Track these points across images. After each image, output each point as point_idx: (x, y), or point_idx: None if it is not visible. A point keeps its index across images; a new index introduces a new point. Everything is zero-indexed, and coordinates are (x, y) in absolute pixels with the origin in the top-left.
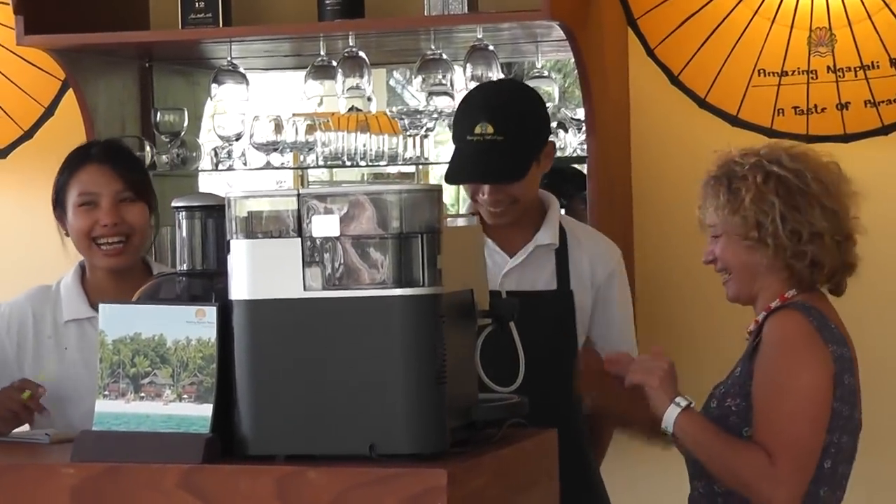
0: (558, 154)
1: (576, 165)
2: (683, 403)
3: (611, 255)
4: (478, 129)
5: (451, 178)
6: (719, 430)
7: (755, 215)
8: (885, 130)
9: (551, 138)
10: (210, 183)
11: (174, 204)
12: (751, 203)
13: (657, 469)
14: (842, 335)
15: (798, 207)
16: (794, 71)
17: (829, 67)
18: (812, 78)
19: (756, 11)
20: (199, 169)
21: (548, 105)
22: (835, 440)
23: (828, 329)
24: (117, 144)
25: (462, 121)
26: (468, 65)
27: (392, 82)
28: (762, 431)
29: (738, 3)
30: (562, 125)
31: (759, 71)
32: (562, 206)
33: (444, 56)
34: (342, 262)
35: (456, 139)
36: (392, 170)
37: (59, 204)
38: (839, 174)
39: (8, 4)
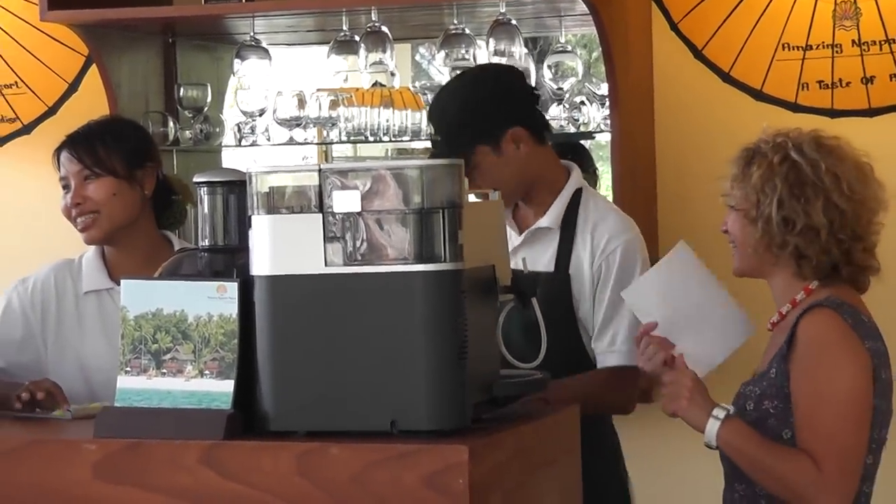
0: (582, 129)
1: (600, 139)
2: (721, 415)
3: (616, 234)
4: (431, 131)
5: None
6: (762, 439)
7: (756, 193)
8: None
9: (518, 127)
10: (233, 158)
11: (195, 179)
12: (757, 180)
13: (684, 460)
14: (875, 328)
15: (799, 197)
16: (818, 45)
17: (853, 41)
18: (837, 52)
19: None
20: (223, 145)
21: (571, 80)
22: (874, 435)
23: (862, 325)
24: (86, 127)
25: None
26: (491, 39)
27: (418, 57)
28: (806, 438)
29: None
30: (585, 100)
31: (783, 45)
32: None
33: (468, 31)
34: (363, 237)
35: None
36: (416, 145)
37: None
38: (868, 177)
39: None
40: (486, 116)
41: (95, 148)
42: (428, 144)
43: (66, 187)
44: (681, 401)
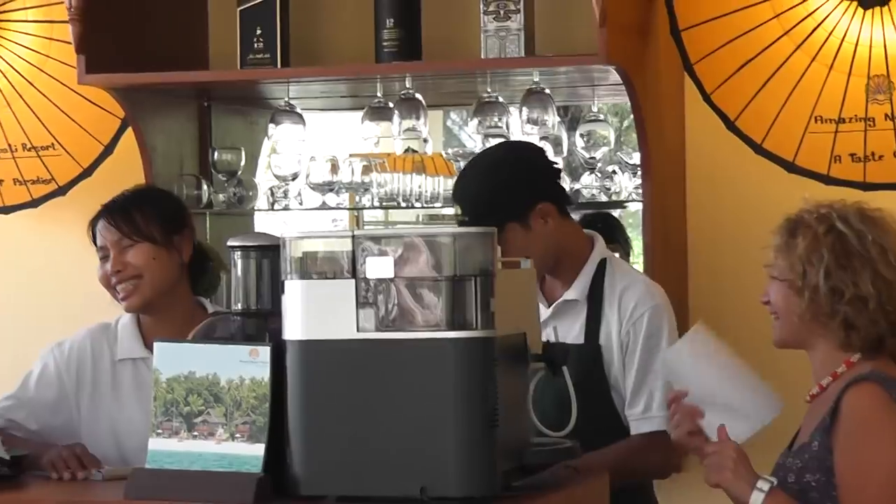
0: (614, 198)
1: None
2: (766, 487)
3: (642, 301)
4: (458, 211)
5: None
6: None
7: (803, 264)
8: None
9: (545, 202)
10: (264, 222)
11: (229, 243)
12: (803, 250)
13: None
14: None
15: (846, 267)
16: (851, 118)
17: (886, 115)
18: (870, 125)
19: (814, 58)
20: (256, 208)
21: (603, 149)
22: None
23: None
24: (121, 196)
25: None
26: (524, 108)
27: (449, 123)
28: None
29: (796, 49)
30: (617, 169)
31: (815, 118)
32: None
33: (501, 99)
34: (396, 303)
35: None
36: (447, 211)
37: None
38: None
39: (70, 44)
40: (512, 196)
41: (133, 215)
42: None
43: (104, 257)
44: (724, 472)
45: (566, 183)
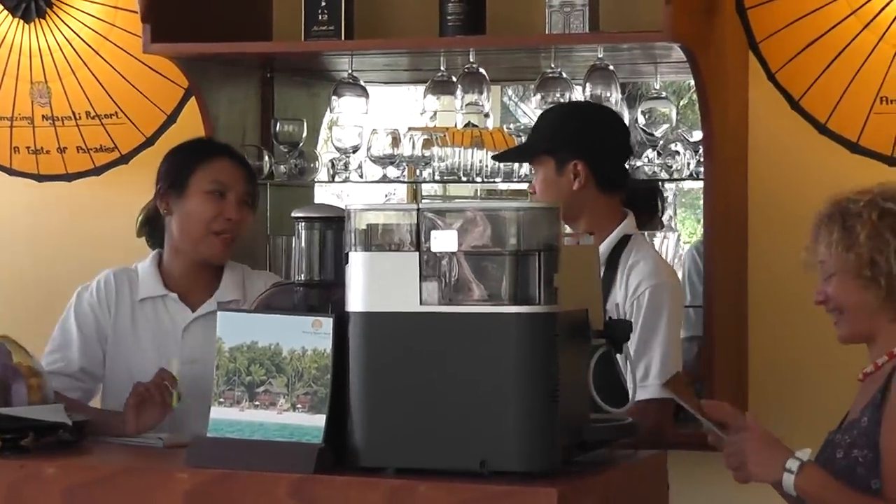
0: (675, 175)
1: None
2: (794, 467)
3: (648, 277)
4: None
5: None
6: (842, 487)
7: (869, 252)
8: None
9: (584, 165)
10: (320, 194)
11: (294, 214)
12: (866, 240)
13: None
14: None
15: None
16: None
17: None
18: None
19: (881, 38)
20: (316, 180)
21: (664, 126)
22: None
23: None
24: (223, 144)
25: None
26: (588, 84)
27: (505, 99)
28: (893, 489)
29: (863, 29)
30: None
31: (881, 98)
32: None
33: (564, 75)
34: (459, 277)
35: None
36: (505, 186)
37: (176, 185)
38: None
39: (135, 12)
40: (571, 136)
41: (252, 170)
42: (519, 186)
43: (221, 195)
44: (743, 469)
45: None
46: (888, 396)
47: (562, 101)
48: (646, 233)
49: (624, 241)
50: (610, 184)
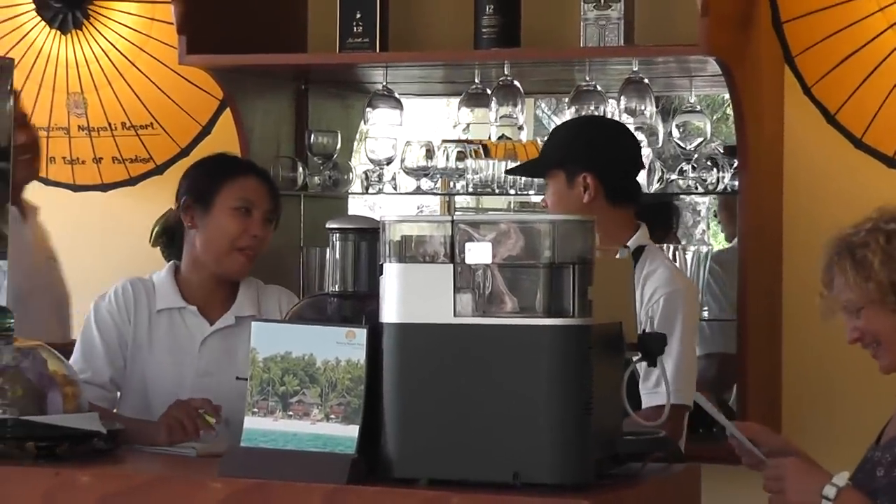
0: (710, 189)
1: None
2: (832, 494)
3: (663, 285)
4: None
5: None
6: None
7: (888, 276)
8: None
9: (594, 178)
10: (354, 205)
11: (329, 225)
12: (881, 266)
13: None
14: None
15: None
16: None
17: None
18: None
19: None
20: (350, 192)
21: (698, 139)
22: None
23: None
24: (248, 161)
25: None
26: (622, 97)
27: (538, 112)
28: None
29: None
30: (715, 160)
31: None
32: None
33: (598, 87)
34: (493, 289)
35: None
36: (538, 199)
37: (202, 199)
38: None
39: (171, 24)
40: (580, 149)
41: (276, 188)
42: None
43: (247, 211)
44: (782, 495)
45: (659, 174)
46: None
47: (596, 113)
48: (663, 246)
49: (638, 252)
50: (620, 196)
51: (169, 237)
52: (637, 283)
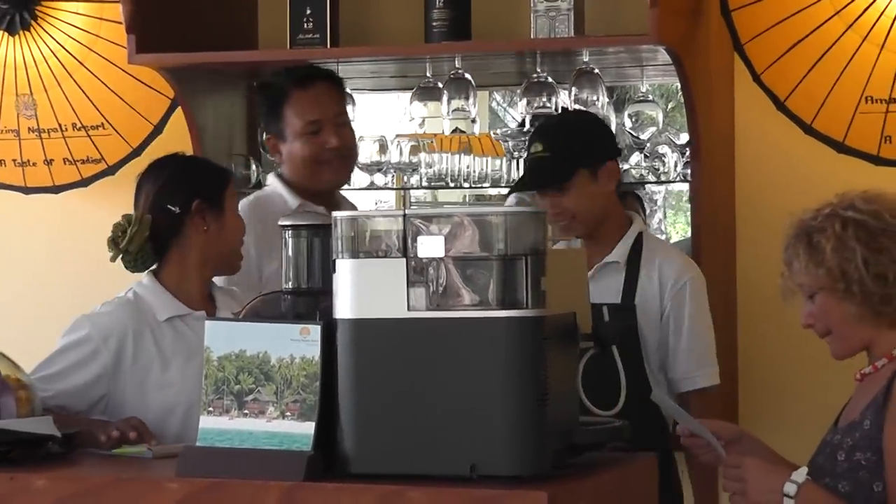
0: (662, 178)
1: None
2: (793, 491)
3: (684, 270)
4: (532, 150)
5: (510, 191)
6: (839, 501)
7: (838, 264)
8: None
9: (614, 162)
10: None
11: (281, 222)
12: (832, 252)
13: None
14: None
15: (881, 249)
16: None
17: None
18: None
19: (865, 38)
20: None
21: (651, 129)
22: None
23: None
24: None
25: (527, 146)
26: (573, 88)
27: (493, 104)
28: None
29: (847, 29)
30: (666, 150)
31: (866, 98)
32: None
33: (550, 79)
34: (446, 282)
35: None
36: (493, 192)
37: (212, 200)
38: None
39: (120, 23)
40: (598, 142)
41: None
42: (505, 191)
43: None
44: (742, 496)
45: None
46: (890, 400)
47: (548, 105)
48: None
49: (640, 237)
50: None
51: (162, 242)
52: (650, 266)
